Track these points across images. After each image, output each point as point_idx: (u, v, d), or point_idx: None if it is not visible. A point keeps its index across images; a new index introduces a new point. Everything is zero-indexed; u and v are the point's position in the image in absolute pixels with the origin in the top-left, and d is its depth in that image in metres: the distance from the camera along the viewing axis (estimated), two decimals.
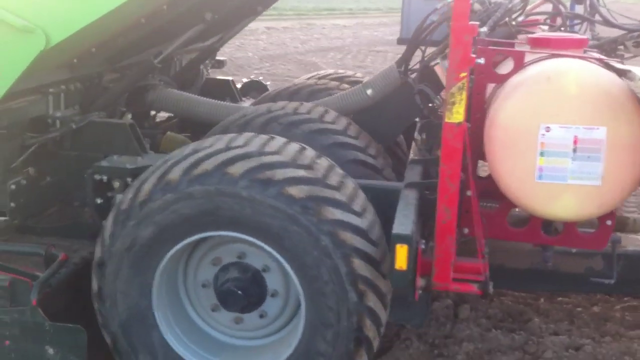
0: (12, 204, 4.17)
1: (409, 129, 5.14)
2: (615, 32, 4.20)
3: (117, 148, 4.31)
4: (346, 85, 5.40)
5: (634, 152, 3.24)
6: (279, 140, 3.69)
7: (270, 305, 3.75)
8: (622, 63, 3.60)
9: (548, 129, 3.28)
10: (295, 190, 3.36)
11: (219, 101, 5.25)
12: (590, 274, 4.15)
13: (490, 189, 3.62)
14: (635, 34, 4.03)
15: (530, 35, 3.80)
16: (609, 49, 4.22)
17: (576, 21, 4.74)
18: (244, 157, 3.46)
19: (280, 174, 3.40)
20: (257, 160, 3.44)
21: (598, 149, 3.25)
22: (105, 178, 4.12)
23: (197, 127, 5.51)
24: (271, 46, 20.51)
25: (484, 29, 3.64)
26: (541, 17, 4.81)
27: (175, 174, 3.47)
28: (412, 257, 3.35)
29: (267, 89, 6.46)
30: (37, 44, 3.61)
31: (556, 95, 3.28)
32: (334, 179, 3.53)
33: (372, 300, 3.46)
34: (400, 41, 5.10)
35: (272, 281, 3.70)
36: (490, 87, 3.75)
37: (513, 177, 3.38)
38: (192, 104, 5.17)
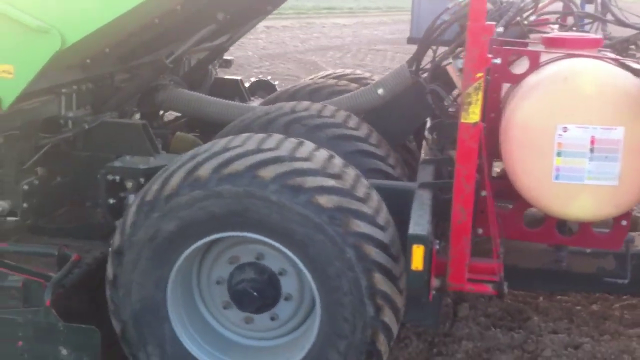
0: (25, 204, 4.16)
1: (417, 129, 5.14)
2: (624, 32, 4.20)
3: (129, 148, 4.30)
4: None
5: None
6: (309, 146, 3.68)
7: (283, 308, 3.74)
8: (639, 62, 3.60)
9: (565, 129, 3.28)
10: (324, 200, 3.35)
11: (231, 101, 5.24)
12: (602, 274, 4.14)
13: (503, 189, 3.62)
14: None
15: (544, 35, 3.80)
16: (620, 49, 4.22)
17: (586, 20, 4.74)
18: (275, 161, 3.44)
19: (311, 181, 3.39)
20: (288, 166, 3.43)
21: (615, 149, 3.26)
22: (118, 178, 4.12)
23: (205, 127, 5.51)
24: (271, 45, 20.48)
25: (501, 29, 3.64)
26: (552, 17, 4.80)
27: (205, 170, 3.45)
28: (428, 257, 3.35)
29: (275, 89, 6.47)
30: (53, 44, 3.60)
31: (573, 96, 3.28)
32: (361, 191, 3.52)
33: (387, 316, 3.47)
34: (410, 40, 5.08)
35: (287, 285, 3.69)
36: (504, 86, 3.75)
37: (530, 177, 3.39)
38: (204, 104, 5.15)
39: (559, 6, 4.90)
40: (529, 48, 3.82)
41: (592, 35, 3.89)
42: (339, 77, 5.82)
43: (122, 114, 4.78)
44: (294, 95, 5.31)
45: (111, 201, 4.16)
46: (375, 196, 3.60)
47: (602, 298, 5.10)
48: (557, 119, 3.29)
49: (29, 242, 4.26)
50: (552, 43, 3.69)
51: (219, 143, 3.69)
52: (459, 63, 4.19)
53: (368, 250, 3.37)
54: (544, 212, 3.55)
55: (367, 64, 17.03)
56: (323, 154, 3.65)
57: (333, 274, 3.39)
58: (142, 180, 4.05)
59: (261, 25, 23.63)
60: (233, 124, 4.57)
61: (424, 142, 4.92)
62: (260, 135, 3.72)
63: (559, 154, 3.31)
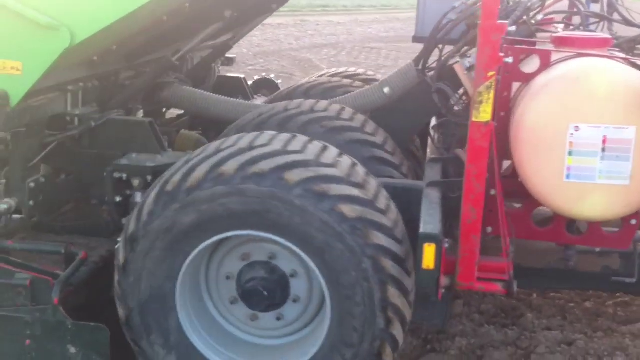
0: (31, 202, 4.15)
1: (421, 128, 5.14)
2: (628, 32, 4.20)
3: (136, 146, 4.30)
4: None
5: None
6: (333, 151, 3.67)
7: (290, 310, 3.75)
8: None
9: (577, 129, 3.29)
10: (347, 209, 3.35)
11: (236, 99, 5.22)
12: (607, 273, 4.15)
13: (511, 188, 3.62)
14: None
15: (554, 35, 3.80)
16: (627, 49, 4.23)
17: (592, 20, 4.74)
18: (301, 165, 3.43)
19: (335, 189, 3.38)
20: (314, 171, 3.42)
21: (627, 148, 3.27)
22: (125, 176, 4.12)
23: (208, 125, 5.51)
24: (265, 42, 20.43)
25: (513, 28, 3.64)
26: (559, 16, 4.80)
27: (229, 167, 3.42)
28: (439, 256, 3.36)
29: (279, 87, 6.46)
30: (62, 41, 3.59)
31: (585, 95, 3.28)
32: (382, 202, 3.52)
33: (396, 329, 3.48)
34: (415, 39, 5.07)
35: (297, 287, 3.70)
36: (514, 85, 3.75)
37: (541, 177, 3.39)
38: (210, 102, 5.14)
39: (564, 5, 4.91)
40: (537, 47, 3.83)
41: (602, 35, 3.88)
42: (352, 76, 5.77)
43: (127, 112, 4.77)
44: (304, 93, 5.27)
45: (117, 199, 4.16)
46: (394, 208, 3.60)
47: (595, 295, 5.13)
48: (569, 118, 3.29)
49: (34, 240, 4.25)
50: (562, 42, 3.69)
51: (244, 139, 3.66)
52: (467, 62, 4.21)
53: (385, 263, 3.38)
54: (555, 211, 3.55)
55: (361, 61, 17.02)
56: (347, 161, 3.64)
57: (348, 283, 3.39)
58: (149, 178, 4.05)
59: None
60: (248, 119, 4.52)
61: (429, 141, 4.92)
62: (286, 136, 3.70)
63: (570, 154, 3.32)
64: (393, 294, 3.41)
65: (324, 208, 3.33)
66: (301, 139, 3.70)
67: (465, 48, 4.47)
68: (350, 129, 4.39)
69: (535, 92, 3.41)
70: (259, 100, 5.94)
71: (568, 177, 3.34)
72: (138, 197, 4.05)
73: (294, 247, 3.43)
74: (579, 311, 4.95)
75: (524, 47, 3.64)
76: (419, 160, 5.08)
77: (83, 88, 4.37)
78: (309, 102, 4.62)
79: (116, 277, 3.65)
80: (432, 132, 4.97)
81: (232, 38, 5.71)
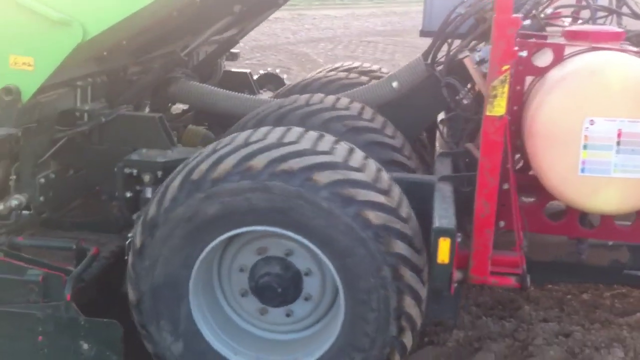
0: (41, 198, 4.14)
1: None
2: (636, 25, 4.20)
3: (145, 141, 4.27)
4: None
5: None
6: (359, 154, 3.65)
7: (300, 307, 3.75)
8: None
9: (592, 122, 3.29)
10: (373, 216, 3.34)
11: (244, 94, 5.21)
12: (618, 267, 4.15)
13: (523, 182, 3.62)
14: None
15: (566, 28, 3.80)
16: (636, 42, 4.23)
17: (600, 14, 4.73)
18: (330, 167, 3.41)
19: (363, 195, 3.37)
20: (342, 174, 3.40)
21: None
22: (135, 172, 4.10)
23: (213, 120, 5.49)
24: (262, 36, 20.36)
25: (528, 22, 3.64)
26: (566, 10, 4.79)
27: (258, 162, 3.40)
28: (453, 250, 3.36)
29: (284, 83, 6.44)
30: (74, 37, 3.59)
31: (601, 89, 3.28)
32: (404, 211, 3.52)
33: (407, 337, 3.50)
34: (423, 33, 5.07)
35: (310, 286, 3.69)
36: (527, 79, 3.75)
37: (555, 171, 3.39)
38: (218, 97, 5.12)
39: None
40: (549, 41, 3.82)
41: (614, 29, 3.88)
42: (365, 72, 5.74)
43: (136, 107, 4.75)
44: (307, 88, 5.26)
45: (128, 194, 4.14)
46: (414, 216, 3.59)
47: (592, 287, 5.13)
48: (584, 112, 3.29)
49: (43, 236, 4.24)
50: (574, 36, 3.69)
51: (273, 133, 3.65)
52: (477, 56, 4.21)
53: (404, 272, 3.38)
54: (569, 205, 3.55)
55: (358, 55, 17.01)
56: (372, 166, 3.62)
57: (365, 288, 3.39)
58: (159, 173, 4.03)
59: None
60: (269, 111, 4.48)
61: (437, 135, 4.92)
62: (314, 134, 3.69)
63: (585, 147, 3.31)
64: (409, 303, 3.42)
65: (350, 212, 3.33)
66: (329, 138, 3.70)
67: (474, 42, 4.48)
68: (371, 130, 4.36)
69: (550, 86, 3.40)
70: (265, 95, 5.92)
71: (583, 170, 3.34)
72: (148, 192, 4.03)
73: (314, 247, 3.42)
74: (576, 303, 4.96)
75: (538, 41, 3.63)
76: (426, 154, 5.08)
77: (92, 84, 4.36)
78: (330, 98, 4.60)
79: (130, 260, 3.62)
80: (440, 126, 4.97)
81: (238, 33, 5.69)
